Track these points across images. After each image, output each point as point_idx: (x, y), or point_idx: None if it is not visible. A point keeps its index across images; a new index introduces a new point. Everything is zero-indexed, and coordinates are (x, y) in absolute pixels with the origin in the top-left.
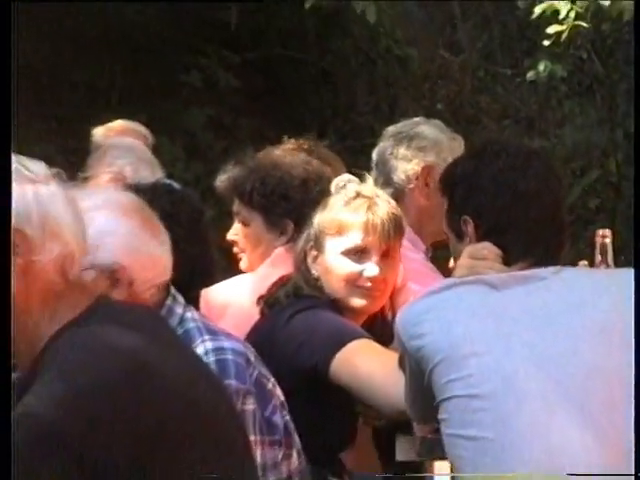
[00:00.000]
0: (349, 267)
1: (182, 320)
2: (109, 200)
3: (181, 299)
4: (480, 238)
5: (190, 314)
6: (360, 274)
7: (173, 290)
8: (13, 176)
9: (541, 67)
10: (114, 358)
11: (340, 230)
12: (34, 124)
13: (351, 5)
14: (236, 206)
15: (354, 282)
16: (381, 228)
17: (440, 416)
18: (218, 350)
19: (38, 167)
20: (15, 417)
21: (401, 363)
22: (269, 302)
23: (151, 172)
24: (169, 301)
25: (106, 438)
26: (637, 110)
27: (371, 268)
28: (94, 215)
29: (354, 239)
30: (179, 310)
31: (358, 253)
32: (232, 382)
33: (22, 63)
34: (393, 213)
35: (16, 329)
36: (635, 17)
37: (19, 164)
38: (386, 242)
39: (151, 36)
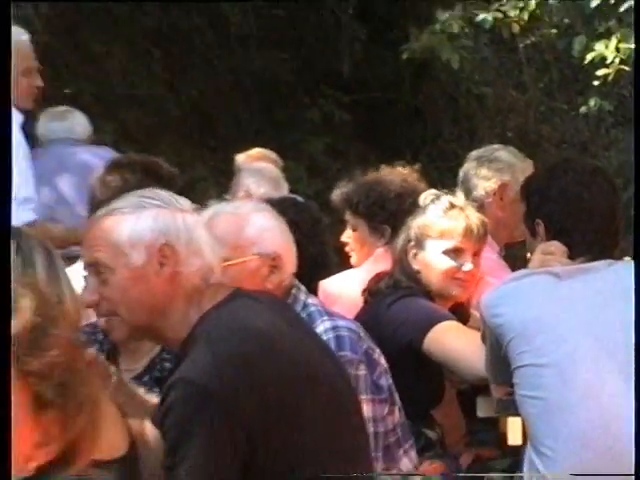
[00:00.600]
0: (449, 264)
1: (305, 305)
2: (262, 206)
3: (304, 289)
4: (550, 238)
5: (311, 300)
6: (458, 269)
7: (297, 281)
8: (165, 206)
9: (592, 103)
10: (249, 334)
11: (442, 234)
12: (196, 152)
13: (439, 55)
14: (347, 215)
15: (452, 276)
16: (475, 233)
17: (513, 380)
18: (335, 328)
19: (185, 201)
20: (171, 382)
21: (482, 338)
22: (372, 292)
23: (274, 189)
24: (294, 290)
25: (244, 396)
26: (637, 110)
27: (467, 265)
28: (254, 216)
29: (454, 241)
30: (302, 297)
31: (456, 252)
32: (347, 353)
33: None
34: (482, 220)
35: (164, 322)
36: (635, 17)
37: (172, 197)
38: (477, 244)
39: (280, 82)
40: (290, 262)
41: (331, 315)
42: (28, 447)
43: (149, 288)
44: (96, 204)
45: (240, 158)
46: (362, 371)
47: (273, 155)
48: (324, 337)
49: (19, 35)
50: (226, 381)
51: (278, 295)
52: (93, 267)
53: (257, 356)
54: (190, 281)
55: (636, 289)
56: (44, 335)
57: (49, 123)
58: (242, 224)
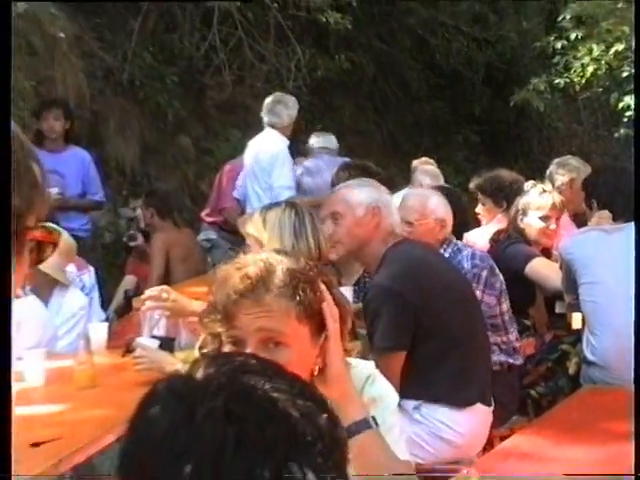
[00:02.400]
0: (541, 224)
1: (456, 246)
2: (432, 191)
3: (454, 238)
4: (600, 209)
5: (460, 244)
6: (547, 228)
7: (451, 235)
8: (376, 187)
9: (622, 131)
10: (416, 258)
11: (537, 207)
12: (390, 159)
13: (531, 103)
14: (479, 196)
15: (543, 232)
16: (557, 206)
17: (578, 291)
18: (474, 256)
19: (384, 188)
20: (369, 286)
21: (560, 267)
22: (495, 240)
23: (436, 181)
24: (451, 239)
25: (412, 292)
26: (637, 110)
27: (552, 225)
28: (431, 196)
29: (544, 211)
30: (455, 242)
31: (546, 218)
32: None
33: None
34: (560, 199)
35: (368, 251)
36: (635, 17)
37: (377, 184)
38: (558, 213)
39: (441, 120)
40: (450, 224)
41: (473, 252)
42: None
43: (363, 230)
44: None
45: (415, 163)
46: (485, 278)
47: (431, 161)
48: (466, 264)
49: None
50: (401, 284)
51: (442, 242)
52: (332, 216)
53: (420, 270)
54: (385, 229)
55: (636, 288)
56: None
57: (315, 139)
58: (425, 200)
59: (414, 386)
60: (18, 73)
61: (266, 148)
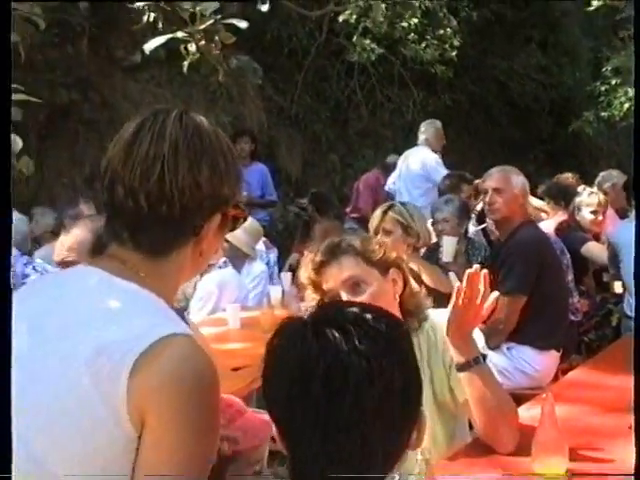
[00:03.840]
0: (592, 217)
1: None
2: None
3: None
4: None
5: None
6: (596, 219)
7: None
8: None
9: None
10: (540, 235)
11: (588, 205)
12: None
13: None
14: (546, 198)
15: (594, 222)
16: (603, 203)
17: (619, 265)
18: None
19: None
20: (511, 245)
21: (607, 248)
22: (558, 229)
23: None
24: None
25: (535, 259)
26: (637, 109)
27: (599, 217)
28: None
29: (594, 207)
30: None
31: (595, 212)
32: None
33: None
34: (605, 198)
35: (515, 224)
36: (635, 17)
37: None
38: (604, 208)
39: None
40: None
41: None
42: None
43: (515, 204)
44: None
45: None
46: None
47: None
48: None
49: None
50: (535, 248)
51: None
52: (495, 190)
53: (543, 243)
54: (525, 208)
55: (636, 288)
56: None
57: None
58: None
59: (512, 332)
60: (220, 113)
61: (419, 159)
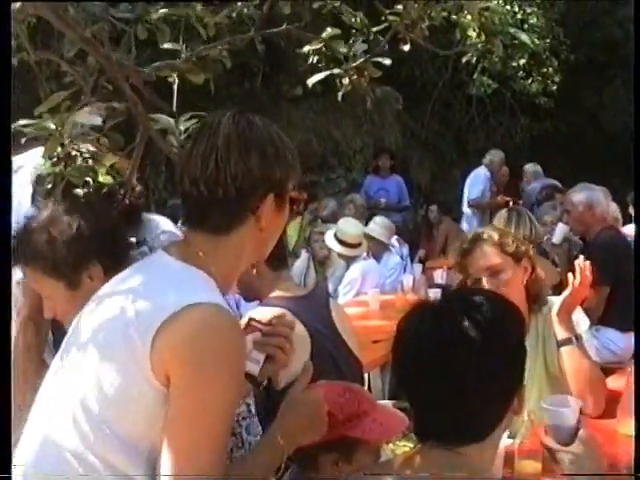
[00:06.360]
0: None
1: None
2: None
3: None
4: None
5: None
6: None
7: None
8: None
9: None
10: (621, 235)
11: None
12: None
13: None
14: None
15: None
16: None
17: None
18: None
19: None
20: (599, 244)
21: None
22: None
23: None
24: None
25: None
26: (637, 108)
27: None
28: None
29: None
30: None
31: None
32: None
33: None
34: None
35: (596, 229)
36: (635, 16)
37: None
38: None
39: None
40: None
41: None
42: None
43: (586, 217)
44: None
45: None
46: None
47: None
48: None
49: None
50: (617, 246)
51: None
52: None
53: (619, 243)
54: (599, 218)
55: (636, 287)
56: None
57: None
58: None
59: (599, 317)
60: (365, 135)
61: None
